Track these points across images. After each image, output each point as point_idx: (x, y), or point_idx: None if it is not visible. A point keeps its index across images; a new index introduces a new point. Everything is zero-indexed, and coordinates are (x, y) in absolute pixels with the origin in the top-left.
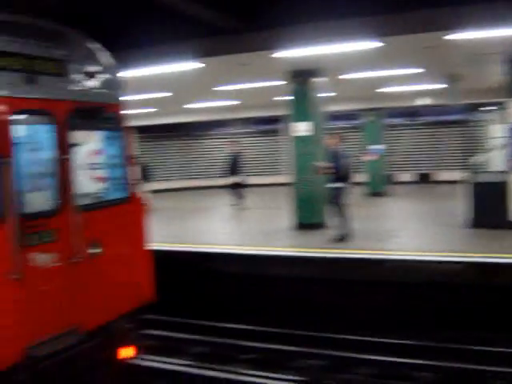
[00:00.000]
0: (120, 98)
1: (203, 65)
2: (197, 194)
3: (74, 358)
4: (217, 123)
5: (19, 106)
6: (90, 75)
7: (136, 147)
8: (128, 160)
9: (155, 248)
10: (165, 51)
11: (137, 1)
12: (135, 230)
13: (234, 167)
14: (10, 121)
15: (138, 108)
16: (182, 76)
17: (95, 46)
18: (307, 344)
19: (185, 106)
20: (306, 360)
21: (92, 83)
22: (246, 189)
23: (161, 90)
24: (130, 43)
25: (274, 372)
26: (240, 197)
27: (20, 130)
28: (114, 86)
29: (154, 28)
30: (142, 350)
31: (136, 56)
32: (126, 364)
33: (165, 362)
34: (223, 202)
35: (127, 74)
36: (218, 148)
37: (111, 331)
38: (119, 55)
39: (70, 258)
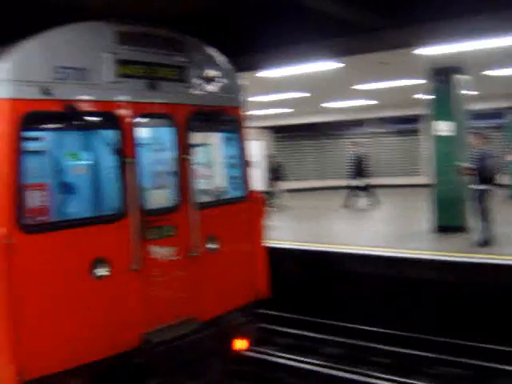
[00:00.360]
0: (239, 101)
1: (343, 64)
2: (332, 193)
3: (190, 345)
4: (352, 123)
5: (142, 111)
6: (209, 80)
7: (271, 147)
8: (246, 160)
9: (289, 247)
10: (303, 51)
11: (273, 2)
12: (252, 228)
13: (358, 169)
14: (134, 124)
15: (274, 108)
16: (321, 75)
17: (214, 53)
18: (445, 351)
19: (322, 105)
20: (445, 368)
21: (211, 88)
22: (372, 190)
23: (298, 90)
24: (268, 44)
25: (409, 378)
26: (369, 197)
27: (143, 132)
28: (232, 89)
29: (292, 28)
30: (276, 346)
31: (274, 57)
32: (241, 355)
33: (298, 361)
34: (356, 203)
35: (265, 74)
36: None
37: (226, 323)
38: (256, 56)
39: (188, 253)
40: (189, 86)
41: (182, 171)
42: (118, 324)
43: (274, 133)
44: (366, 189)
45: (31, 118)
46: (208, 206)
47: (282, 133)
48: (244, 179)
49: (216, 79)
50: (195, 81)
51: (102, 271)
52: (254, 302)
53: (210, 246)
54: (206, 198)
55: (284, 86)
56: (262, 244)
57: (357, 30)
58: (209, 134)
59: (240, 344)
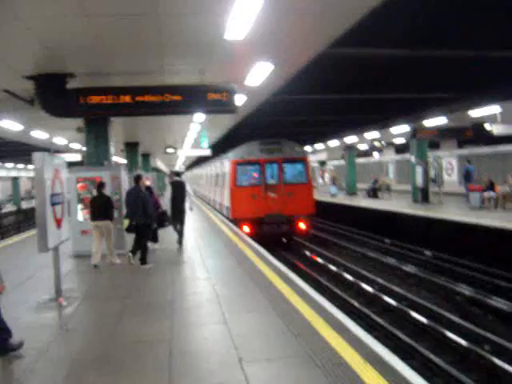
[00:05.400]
0: (304, 155)
1: None
2: None
3: (278, 220)
4: None
5: (267, 160)
6: (290, 150)
7: None
8: (307, 173)
9: None
10: None
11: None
12: (308, 191)
13: None
14: (265, 163)
15: None
16: None
17: (292, 142)
18: None
19: None
20: None
21: (290, 152)
22: None
23: None
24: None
25: None
26: None
27: (268, 166)
28: (299, 152)
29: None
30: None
31: None
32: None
33: None
34: None
35: None
36: None
37: (294, 218)
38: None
39: (281, 195)
40: (282, 152)
41: (280, 175)
42: (260, 210)
43: None
44: None
45: (238, 164)
46: (289, 183)
47: None
48: (307, 177)
49: (292, 149)
50: (285, 150)
51: (255, 197)
52: (309, 214)
53: (290, 195)
54: (289, 181)
55: None
56: (313, 197)
57: None
58: (290, 164)
59: (301, 225)
